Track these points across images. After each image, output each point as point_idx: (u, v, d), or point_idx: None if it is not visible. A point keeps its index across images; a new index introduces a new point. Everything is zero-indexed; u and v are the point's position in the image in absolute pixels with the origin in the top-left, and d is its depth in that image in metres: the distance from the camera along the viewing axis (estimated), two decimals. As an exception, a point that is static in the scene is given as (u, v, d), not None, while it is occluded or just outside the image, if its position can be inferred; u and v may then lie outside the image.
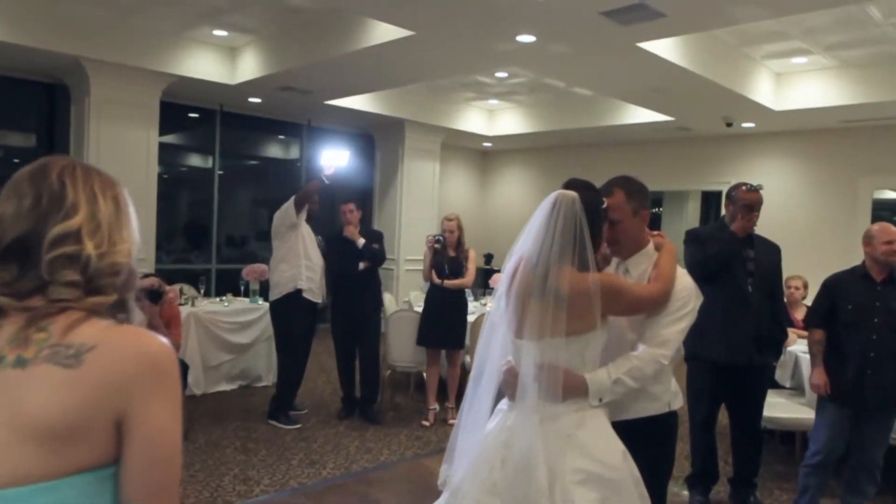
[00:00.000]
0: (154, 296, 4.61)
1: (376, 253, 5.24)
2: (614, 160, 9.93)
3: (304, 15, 6.16)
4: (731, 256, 3.63)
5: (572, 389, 1.99)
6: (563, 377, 1.98)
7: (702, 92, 6.59)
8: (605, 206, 2.13)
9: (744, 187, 3.65)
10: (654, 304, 2.12)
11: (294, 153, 9.79)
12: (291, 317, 5.09)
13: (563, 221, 1.99)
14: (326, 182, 5.01)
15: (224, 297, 6.45)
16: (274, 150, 9.83)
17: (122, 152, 6.96)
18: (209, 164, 8.76)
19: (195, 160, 9.37)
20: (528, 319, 2.00)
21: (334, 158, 5.00)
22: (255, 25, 6.60)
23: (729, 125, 8.01)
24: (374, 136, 9.99)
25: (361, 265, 5.23)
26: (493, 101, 9.43)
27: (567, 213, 1.99)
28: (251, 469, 4.24)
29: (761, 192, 3.63)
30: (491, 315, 2.16)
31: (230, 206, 9.22)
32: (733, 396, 3.87)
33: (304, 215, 5.14)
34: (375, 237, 5.42)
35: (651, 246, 2.31)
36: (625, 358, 2.09)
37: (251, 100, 8.12)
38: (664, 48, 5.52)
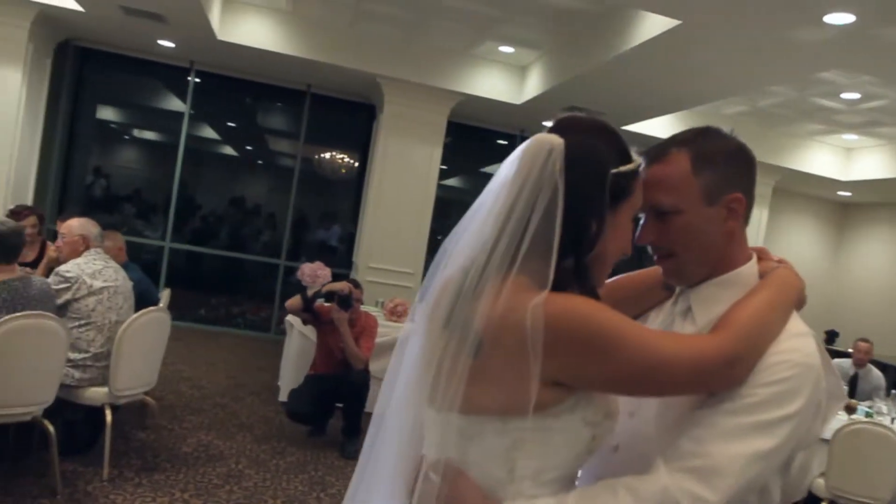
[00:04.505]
0: (342, 301, 4.38)
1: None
2: None
3: (577, 21, 5.50)
4: None
5: None
6: (460, 495, 0.99)
7: None
8: (621, 171, 1.03)
9: None
10: (691, 380, 0.99)
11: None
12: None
13: (520, 189, 1.00)
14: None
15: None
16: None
17: (406, 167, 7.11)
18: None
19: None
20: (426, 368, 1.06)
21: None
22: (537, 38, 6.16)
23: None
24: (689, 174, 8.69)
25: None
26: (850, 136, 7.37)
27: (535, 174, 1.00)
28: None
29: None
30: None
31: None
32: None
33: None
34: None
35: (751, 268, 1.16)
36: (611, 488, 0.98)
37: (545, 124, 7.68)
38: None
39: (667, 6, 4.12)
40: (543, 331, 0.93)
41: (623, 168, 1.05)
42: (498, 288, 0.98)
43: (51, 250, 3.64)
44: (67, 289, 3.41)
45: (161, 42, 6.77)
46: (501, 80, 7.00)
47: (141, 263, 5.08)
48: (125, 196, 8.50)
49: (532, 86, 6.74)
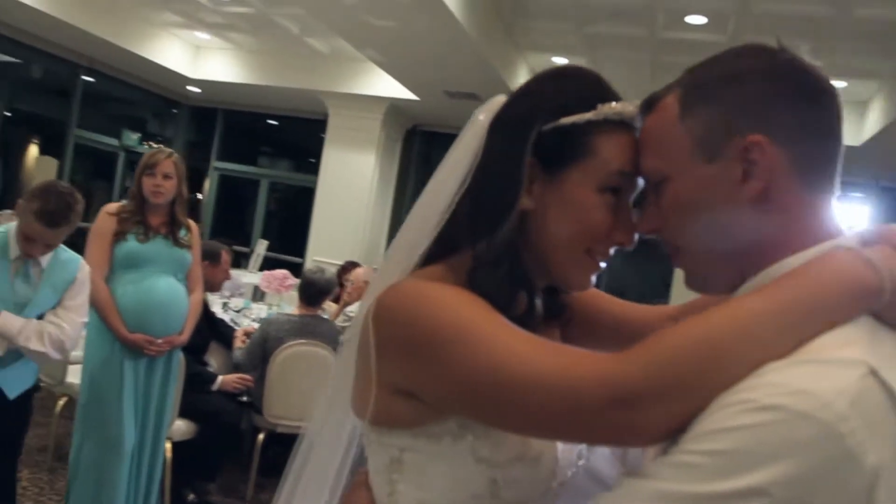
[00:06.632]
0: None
1: None
2: None
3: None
4: None
5: None
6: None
7: None
8: (560, 124, 0.80)
9: None
10: (563, 417, 0.65)
11: None
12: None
13: (458, 160, 0.89)
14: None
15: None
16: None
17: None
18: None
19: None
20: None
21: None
22: (870, 65, 5.26)
23: None
24: None
25: None
26: None
27: (468, 141, 0.88)
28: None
29: None
30: None
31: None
32: None
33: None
34: None
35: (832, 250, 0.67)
36: None
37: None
38: None
39: None
40: (374, 324, 0.78)
41: (564, 120, 0.79)
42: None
43: (344, 295, 4.31)
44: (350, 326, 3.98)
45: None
46: (836, 120, 6.08)
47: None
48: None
49: (873, 122, 5.70)
